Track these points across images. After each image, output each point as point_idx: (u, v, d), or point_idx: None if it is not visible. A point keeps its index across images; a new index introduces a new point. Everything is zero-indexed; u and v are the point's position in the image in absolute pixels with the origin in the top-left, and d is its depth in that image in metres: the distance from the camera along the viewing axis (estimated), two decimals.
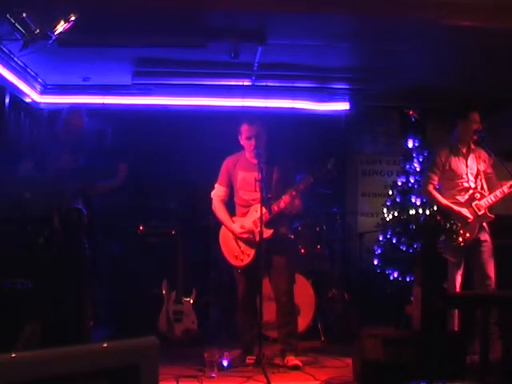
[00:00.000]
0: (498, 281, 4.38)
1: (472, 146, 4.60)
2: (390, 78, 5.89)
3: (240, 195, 4.38)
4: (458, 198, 4.50)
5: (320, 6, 4.21)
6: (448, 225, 4.38)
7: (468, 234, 4.36)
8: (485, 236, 4.46)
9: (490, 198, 4.45)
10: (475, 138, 4.53)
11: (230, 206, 4.47)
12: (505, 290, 4.13)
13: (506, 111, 6.32)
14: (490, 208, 4.47)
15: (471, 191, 4.49)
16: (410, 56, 5.21)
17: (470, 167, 4.54)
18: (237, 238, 4.31)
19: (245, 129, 4.32)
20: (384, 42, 4.89)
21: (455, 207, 4.44)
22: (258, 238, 4.11)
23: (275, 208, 4.13)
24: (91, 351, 1.74)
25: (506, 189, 4.42)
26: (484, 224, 4.48)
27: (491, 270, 4.38)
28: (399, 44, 4.89)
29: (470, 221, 4.41)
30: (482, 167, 4.56)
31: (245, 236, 4.26)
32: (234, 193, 4.44)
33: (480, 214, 4.43)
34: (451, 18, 4.20)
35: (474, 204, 4.45)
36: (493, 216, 4.47)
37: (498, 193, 4.45)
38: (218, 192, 4.45)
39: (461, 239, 4.35)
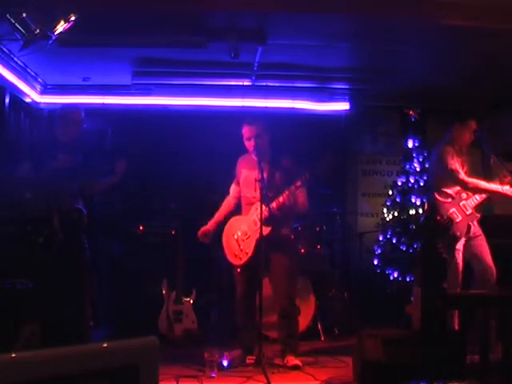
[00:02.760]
0: (498, 280, 4.40)
1: (463, 149, 4.69)
2: (389, 78, 5.89)
3: (244, 193, 4.41)
4: (450, 193, 4.59)
5: (320, 6, 4.21)
6: (442, 222, 4.44)
7: (458, 233, 4.45)
8: (475, 231, 4.54)
9: (475, 198, 4.58)
10: (469, 143, 4.66)
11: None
12: (505, 289, 4.13)
13: (506, 111, 6.32)
14: (477, 208, 4.58)
15: (457, 189, 4.59)
16: (410, 56, 5.21)
17: (462, 167, 4.63)
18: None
19: (245, 130, 4.32)
20: (384, 41, 4.90)
21: (503, 189, 4.49)
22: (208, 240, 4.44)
23: (274, 205, 4.12)
24: (91, 351, 1.73)
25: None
26: (475, 222, 4.55)
27: (490, 262, 4.46)
28: (399, 44, 4.89)
29: (458, 220, 4.49)
30: (465, 168, 4.66)
31: (199, 235, 4.45)
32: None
33: (468, 213, 4.52)
34: (451, 18, 4.20)
35: (461, 204, 4.55)
36: (479, 215, 4.57)
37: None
38: (231, 190, 4.55)
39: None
